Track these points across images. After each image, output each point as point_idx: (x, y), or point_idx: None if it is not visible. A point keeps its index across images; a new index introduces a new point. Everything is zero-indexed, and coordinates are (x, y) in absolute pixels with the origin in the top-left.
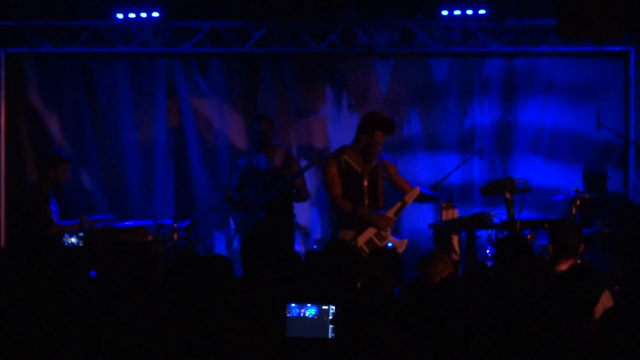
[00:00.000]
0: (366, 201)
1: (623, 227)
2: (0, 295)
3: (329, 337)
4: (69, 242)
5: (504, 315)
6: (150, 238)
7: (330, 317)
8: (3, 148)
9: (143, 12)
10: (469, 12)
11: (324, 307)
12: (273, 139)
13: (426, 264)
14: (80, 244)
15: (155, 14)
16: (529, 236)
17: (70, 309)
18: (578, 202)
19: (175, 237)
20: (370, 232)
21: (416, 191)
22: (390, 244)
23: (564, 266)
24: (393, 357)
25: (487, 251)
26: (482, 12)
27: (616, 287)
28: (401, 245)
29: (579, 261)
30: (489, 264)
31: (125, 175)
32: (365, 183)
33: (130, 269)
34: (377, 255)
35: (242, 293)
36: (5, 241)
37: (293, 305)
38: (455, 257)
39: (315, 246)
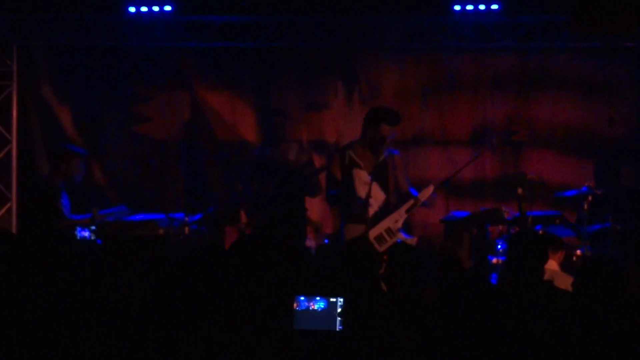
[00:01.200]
0: (369, 198)
1: (636, 223)
2: (9, 284)
3: (337, 329)
4: (82, 235)
5: (519, 312)
6: (161, 232)
7: (339, 310)
8: (15, 141)
9: (155, 5)
10: (482, 7)
11: (332, 299)
12: (286, 133)
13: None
14: (93, 237)
15: (168, 8)
16: (540, 232)
17: (78, 299)
18: (590, 198)
19: (187, 231)
20: (380, 228)
21: (430, 189)
22: (399, 241)
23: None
24: (401, 351)
25: (498, 246)
26: (494, 7)
27: None
28: (410, 243)
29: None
30: (500, 259)
31: (136, 169)
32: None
33: (140, 262)
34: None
35: (250, 286)
36: (18, 233)
37: (302, 298)
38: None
39: (326, 240)
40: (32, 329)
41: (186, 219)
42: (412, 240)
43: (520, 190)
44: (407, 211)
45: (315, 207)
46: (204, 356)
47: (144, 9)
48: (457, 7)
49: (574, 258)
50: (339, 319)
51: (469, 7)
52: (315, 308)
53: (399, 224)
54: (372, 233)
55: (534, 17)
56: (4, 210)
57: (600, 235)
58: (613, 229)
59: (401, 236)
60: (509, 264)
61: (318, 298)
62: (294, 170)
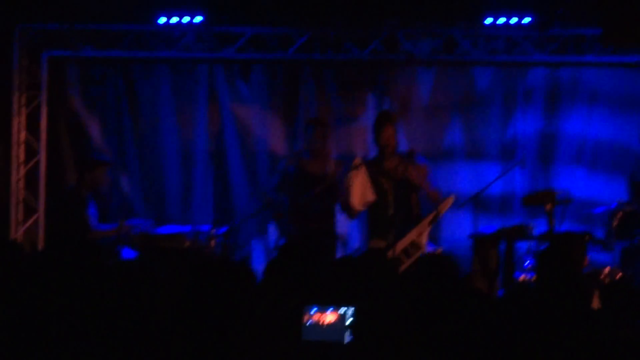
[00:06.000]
0: (391, 211)
1: None
2: (38, 300)
3: (346, 341)
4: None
5: (543, 330)
6: (187, 245)
7: (348, 321)
8: (44, 152)
9: (186, 16)
10: (513, 20)
11: (341, 310)
12: (328, 146)
13: None
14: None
15: (198, 19)
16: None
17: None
18: (620, 214)
19: (212, 244)
20: (406, 241)
21: (450, 200)
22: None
23: None
24: None
25: (526, 263)
26: (526, 20)
27: None
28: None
29: None
30: (527, 275)
31: (164, 181)
32: (390, 190)
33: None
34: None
35: (260, 297)
36: (44, 244)
37: (313, 308)
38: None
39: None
40: (51, 342)
41: (212, 231)
42: (436, 252)
43: (549, 206)
44: (430, 223)
45: (342, 221)
46: None
47: (174, 19)
48: (488, 20)
49: (602, 275)
50: (348, 330)
51: (501, 20)
52: (327, 320)
53: (424, 237)
54: (399, 247)
55: (566, 31)
56: (31, 221)
57: (629, 252)
58: None
59: (426, 249)
60: (538, 280)
61: (331, 309)
62: (333, 183)
